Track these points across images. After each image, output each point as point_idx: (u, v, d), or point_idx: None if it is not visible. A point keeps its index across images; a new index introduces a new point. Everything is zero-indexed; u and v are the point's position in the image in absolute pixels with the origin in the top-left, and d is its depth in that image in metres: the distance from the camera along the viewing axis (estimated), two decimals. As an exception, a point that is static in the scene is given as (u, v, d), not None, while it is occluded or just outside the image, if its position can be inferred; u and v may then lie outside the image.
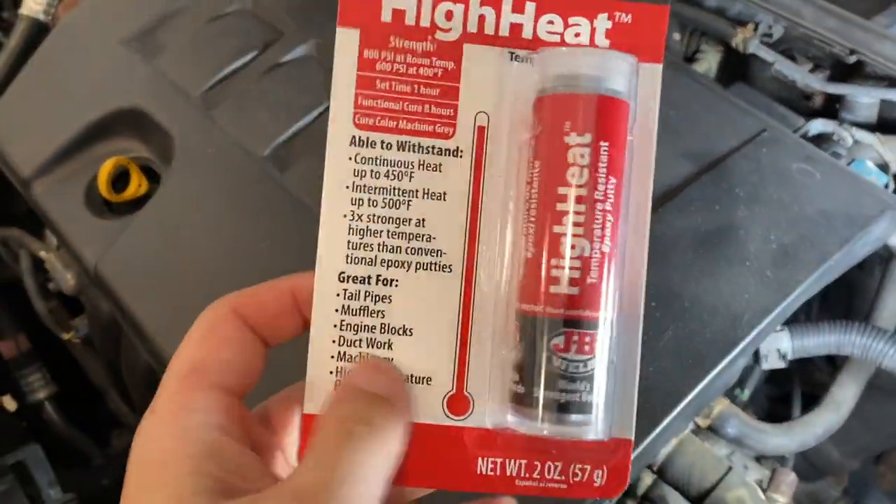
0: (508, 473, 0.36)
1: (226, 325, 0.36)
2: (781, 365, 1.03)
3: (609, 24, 0.35)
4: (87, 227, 0.90)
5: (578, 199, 0.33)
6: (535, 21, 0.36)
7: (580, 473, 0.36)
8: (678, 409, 0.66)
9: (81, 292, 1.13)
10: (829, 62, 1.05)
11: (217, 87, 0.93)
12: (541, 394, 0.34)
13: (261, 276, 0.38)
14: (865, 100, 1.01)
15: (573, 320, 0.34)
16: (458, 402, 0.37)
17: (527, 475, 0.36)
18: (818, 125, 0.98)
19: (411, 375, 0.37)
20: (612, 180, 0.34)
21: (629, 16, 0.36)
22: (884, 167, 0.99)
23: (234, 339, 0.36)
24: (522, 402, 0.35)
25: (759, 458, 1.09)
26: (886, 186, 0.93)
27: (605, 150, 0.33)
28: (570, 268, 0.33)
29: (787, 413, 1.11)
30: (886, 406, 1.04)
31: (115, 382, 1.19)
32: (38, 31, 1.19)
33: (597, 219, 0.33)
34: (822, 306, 1.14)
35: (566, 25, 0.36)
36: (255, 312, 0.37)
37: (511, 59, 0.36)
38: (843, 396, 1.07)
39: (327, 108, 0.42)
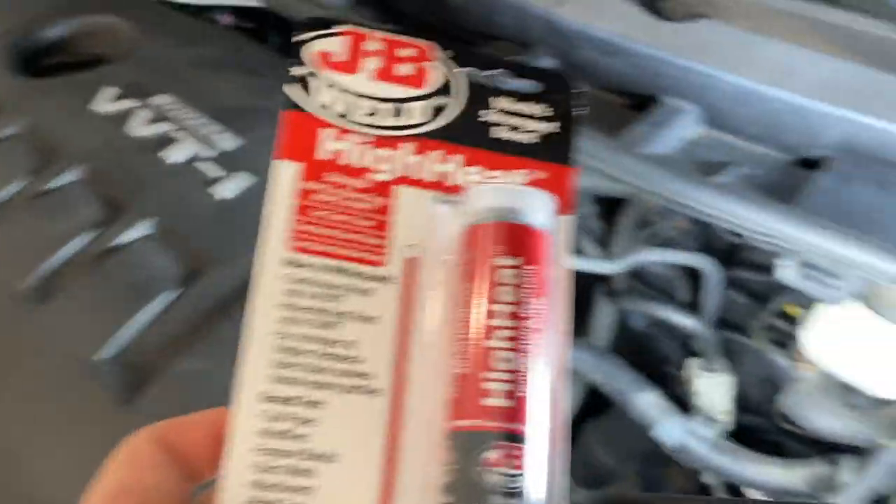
0: None
1: (148, 452, 0.34)
2: None
3: (526, 179, 0.39)
4: None
5: (509, 315, 0.33)
6: (460, 171, 0.39)
7: None
8: None
9: None
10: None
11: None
12: None
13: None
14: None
15: (505, 433, 0.32)
16: None
17: None
18: None
19: None
20: (539, 301, 0.34)
21: (545, 173, 0.39)
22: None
23: (157, 466, 0.33)
24: None
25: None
26: None
27: (532, 273, 0.34)
28: (502, 381, 0.33)
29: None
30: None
31: None
32: None
33: (524, 335, 0.33)
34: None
35: (488, 177, 0.39)
36: (179, 439, 0.34)
37: (438, 202, 0.38)
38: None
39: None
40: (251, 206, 0.88)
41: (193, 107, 1.05)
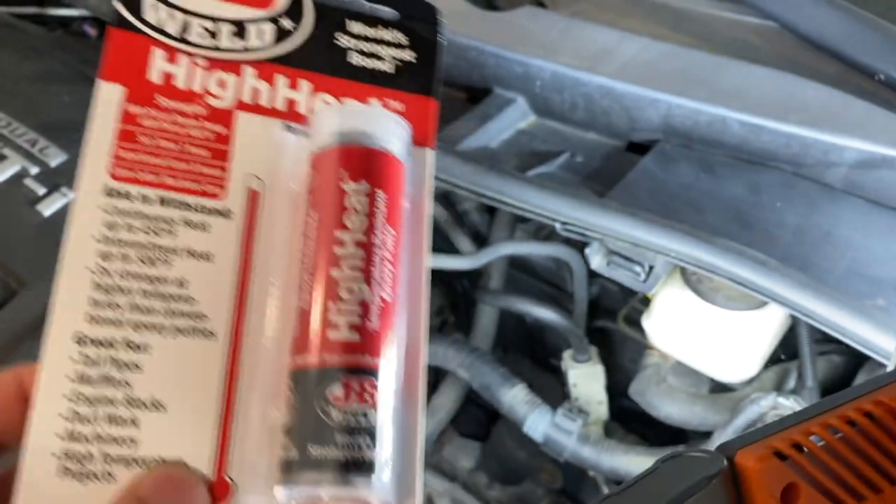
0: None
1: None
2: None
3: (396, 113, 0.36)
4: None
5: (357, 244, 0.31)
6: (308, 99, 0.35)
7: None
8: None
9: None
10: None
11: None
12: (317, 453, 0.29)
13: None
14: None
15: (353, 368, 0.30)
16: (216, 488, 0.30)
17: None
18: None
19: (161, 459, 0.30)
20: (391, 231, 0.32)
21: (401, 104, 0.36)
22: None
23: None
24: (294, 467, 0.29)
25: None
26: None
27: (382, 199, 0.32)
28: (350, 312, 0.30)
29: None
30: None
31: None
32: None
33: (374, 265, 0.31)
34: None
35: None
36: None
37: (286, 130, 0.35)
38: (441, 402, 1.15)
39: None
40: None
41: (23, 122, 1.01)
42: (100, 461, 0.29)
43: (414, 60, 0.37)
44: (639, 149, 0.98)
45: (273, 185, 0.34)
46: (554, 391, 1.27)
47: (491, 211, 1.25)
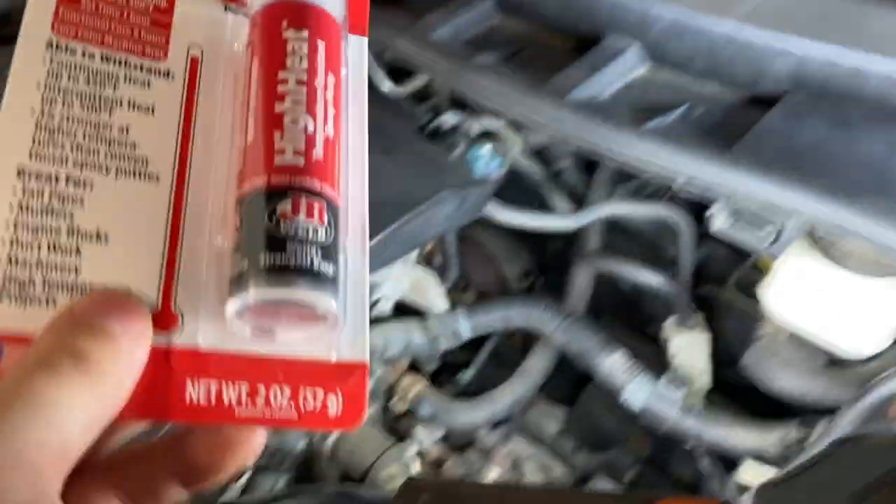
0: (226, 402, 0.30)
1: None
2: (456, 343, 1.11)
3: None
4: None
5: (299, 82, 0.32)
6: None
7: (312, 400, 0.31)
8: None
9: None
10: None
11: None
12: (269, 260, 0.29)
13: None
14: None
15: (300, 188, 0.30)
16: (163, 319, 0.30)
17: (249, 403, 0.30)
18: (448, 118, 1.00)
19: (104, 287, 0.30)
20: (332, 77, 0.33)
21: None
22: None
23: None
24: (245, 277, 0.29)
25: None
26: (500, 166, 0.99)
27: (322, 47, 0.33)
28: (295, 140, 0.31)
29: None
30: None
31: None
32: None
33: (318, 101, 0.32)
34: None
35: None
36: None
37: (225, 10, 0.36)
38: (533, 366, 1.12)
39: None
40: None
41: None
42: (41, 287, 0.29)
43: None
44: (764, 102, 0.89)
45: (214, 53, 0.35)
46: (650, 359, 1.21)
47: (589, 169, 1.19)
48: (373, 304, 1.16)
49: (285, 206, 0.29)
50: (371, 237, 0.73)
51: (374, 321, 1.15)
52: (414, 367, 1.30)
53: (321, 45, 0.33)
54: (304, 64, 0.32)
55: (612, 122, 0.81)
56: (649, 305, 1.25)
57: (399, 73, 1.09)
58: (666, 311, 1.22)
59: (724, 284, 1.10)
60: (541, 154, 1.17)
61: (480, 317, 1.10)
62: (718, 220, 0.80)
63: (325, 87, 0.32)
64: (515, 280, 1.43)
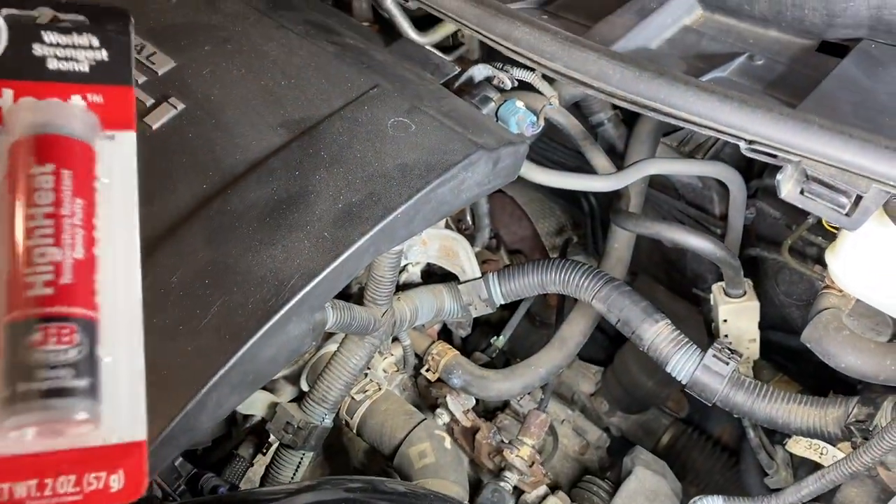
0: (17, 497, 0.34)
1: None
2: (489, 310, 1.03)
3: (83, 104, 0.41)
4: None
5: (46, 216, 0.36)
6: (13, 101, 0.39)
7: (96, 482, 0.35)
8: (212, 381, 0.64)
9: None
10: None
11: None
12: (23, 388, 0.34)
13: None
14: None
15: (48, 317, 0.34)
16: None
17: (38, 494, 0.35)
18: (480, 70, 0.91)
19: None
20: (80, 201, 0.37)
21: (100, 96, 0.41)
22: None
23: None
24: (7, 403, 0.34)
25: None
26: (535, 123, 0.89)
27: (68, 177, 0.37)
28: (43, 272, 0.34)
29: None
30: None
31: None
32: None
33: (65, 230, 0.36)
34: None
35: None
36: None
37: None
38: (570, 333, 1.04)
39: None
40: (176, 136, 0.81)
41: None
42: None
43: (107, 59, 0.42)
44: (835, 50, 0.76)
45: None
46: (693, 323, 1.13)
47: (629, 122, 1.08)
48: (401, 270, 1.08)
49: (35, 337, 0.34)
50: (397, 205, 0.66)
51: (403, 287, 1.06)
52: (445, 330, 1.22)
53: (66, 175, 0.36)
54: (51, 197, 0.36)
55: (665, 76, 0.70)
56: (693, 265, 1.16)
57: (423, 21, 0.99)
58: (709, 271, 1.13)
59: (773, 247, 1.00)
60: (578, 107, 1.07)
61: (514, 282, 0.99)
62: (785, 188, 0.68)
63: (72, 215, 0.36)
64: (549, 237, 1.34)
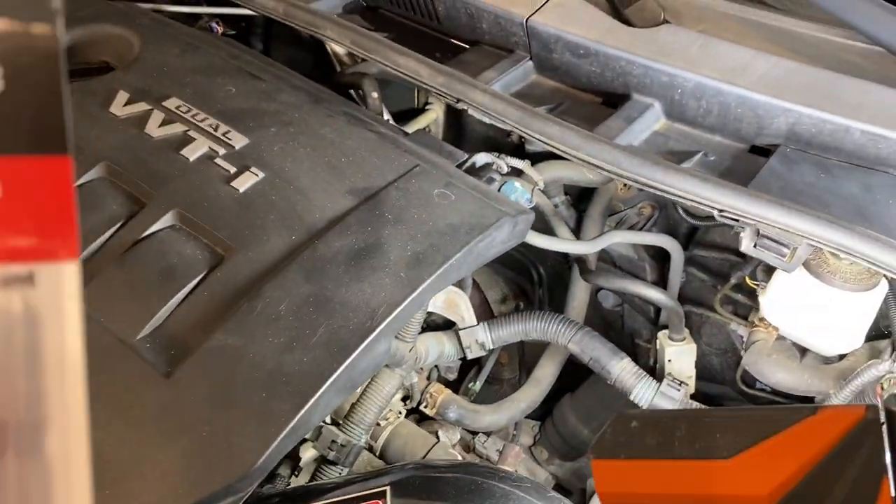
0: None
1: None
2: (483, 353, 1.18)
3: None
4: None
5: None
6: None
7: None
8: (327, 384, 0.78)
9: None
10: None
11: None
12: None
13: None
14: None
15: None
16: None
17: None
18: (482, 157, 1.08)
19: None
20: None
21: None
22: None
23: None
24: None
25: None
26: (530, 200, 1.06)
27: None
28: None
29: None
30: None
31: None
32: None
33: None
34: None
35: None
36: None
37: None
38: (543, 374, 1.21)
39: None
40: (261, 198, 0.93)
41: (201, 109, 1.05)
42: None
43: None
44: (762, 151, 1.00)
45: None
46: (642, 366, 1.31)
47: (576, 206, 1.27)
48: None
49: None
50: (452, 254, 0.88)
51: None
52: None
53: None
54: None
55: (661, 163, 0.92)
56: (629, 322, 1.36)
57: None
58: (643, 326, 1.31)
59: (698, 304, 1.20)
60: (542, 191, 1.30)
61: (502, 329, 1.14)
62: (745, 243, 0.88)
63: None
64: (495, 304, 1.53)
